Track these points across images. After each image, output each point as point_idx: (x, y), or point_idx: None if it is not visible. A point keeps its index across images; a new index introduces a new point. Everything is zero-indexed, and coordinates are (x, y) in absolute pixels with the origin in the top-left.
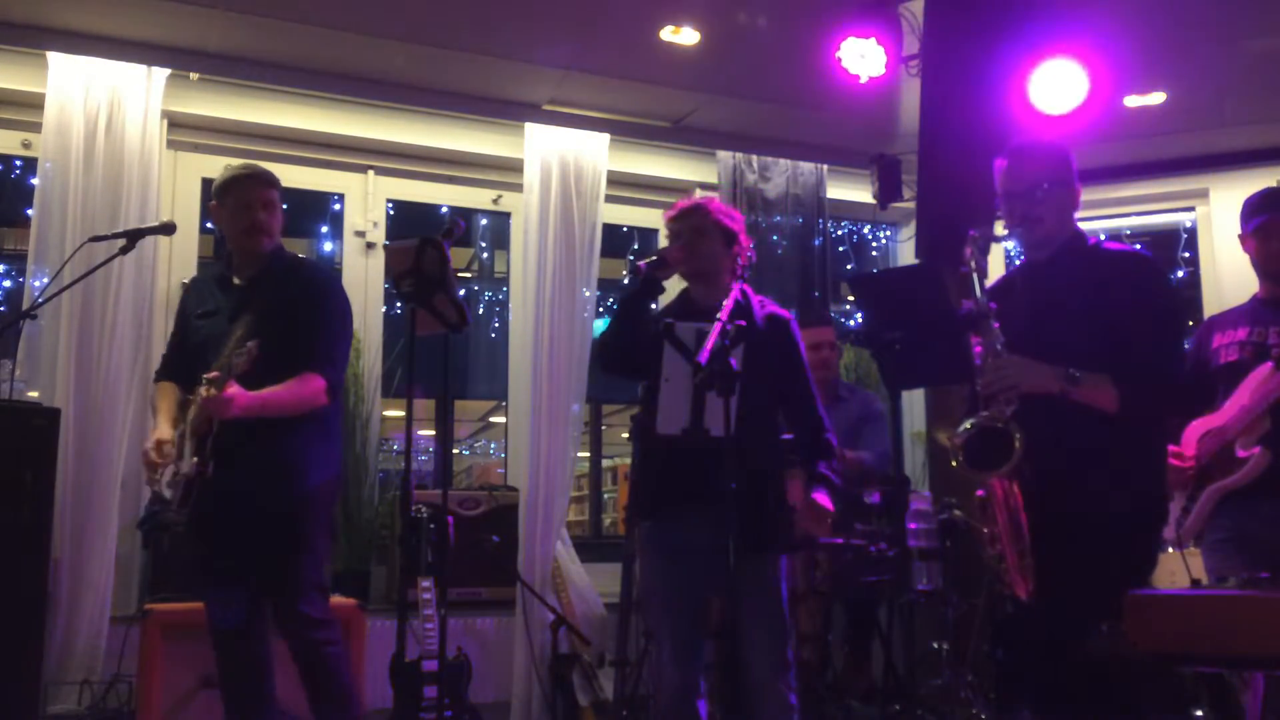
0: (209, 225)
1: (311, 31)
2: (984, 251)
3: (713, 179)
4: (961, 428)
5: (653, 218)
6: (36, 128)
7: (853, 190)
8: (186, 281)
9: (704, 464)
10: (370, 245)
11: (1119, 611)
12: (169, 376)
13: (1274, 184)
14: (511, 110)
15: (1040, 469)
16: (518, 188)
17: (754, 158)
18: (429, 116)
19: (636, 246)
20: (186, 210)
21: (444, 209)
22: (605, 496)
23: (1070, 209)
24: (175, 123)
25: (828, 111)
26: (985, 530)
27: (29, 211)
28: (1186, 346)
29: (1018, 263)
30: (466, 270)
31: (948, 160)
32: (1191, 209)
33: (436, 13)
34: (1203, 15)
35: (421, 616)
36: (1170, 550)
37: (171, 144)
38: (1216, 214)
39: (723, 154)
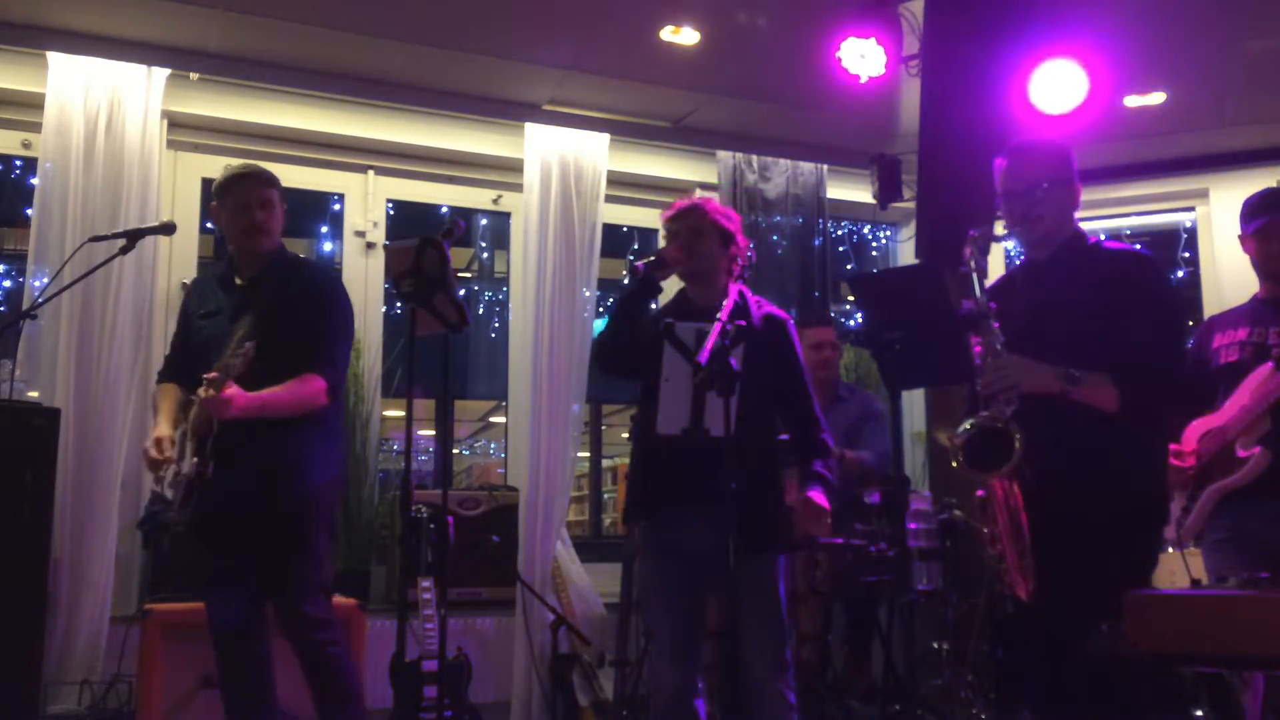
0: (209, 225)
1: (311, 31)
2: (984, 251)
3: (713, 179)
4: (961, 428)
5: (653, 218)
6: (36, 128)
7: (853, 190)
8: (188, 281)
9: (704, 464)
10: (370, 245)
11: (1119, 611)
12: (171, 377)
13: (1274, 184)
14: (511, 110)
15: (1040, 469)
16: (518, 188)
17: (754, 158)
18: (429, 116)
19: (636, 246)
20: (186, 210)
21: (444, 209)
22: (605, 496)
23: (1070, 208)
24: (175, 123)
25: (828, 111)
26: (985, 530)
27: (29, 211)
28: (1187, 346)
29: (1018, 262)
30: (466, 270)
31: (948, 160)
32: (1191, 209)
33: (436, 13)
34: (1203, 15)
35: (421, 616)
36: (1170, 550)
37: (171, 144)
38: (1216, 214)
39: (723, 154)
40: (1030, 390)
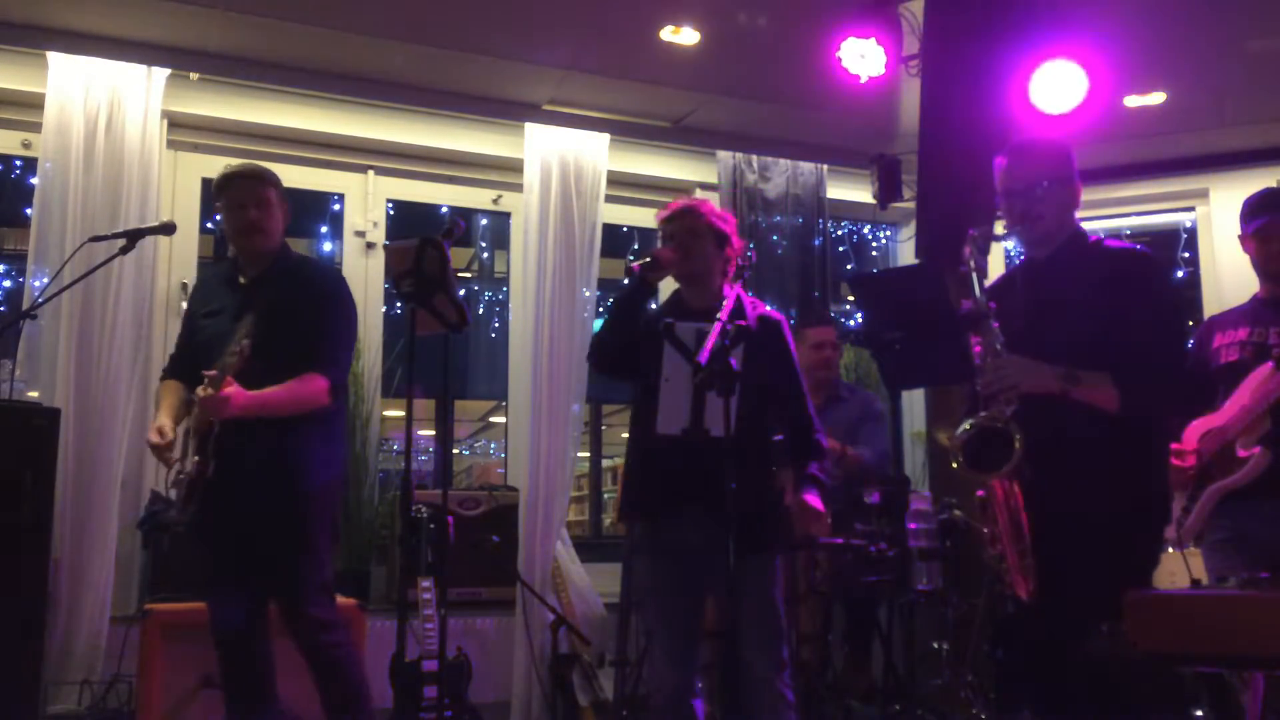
0: (209, 225)
1: (311, 31)
2: (984, 251)
3: (713, 179)
4: (961, 428)
5: (652, 218)
6: (36, 128)
7: (853, 190)
8: (188, 282)
9: (703, 464)
10: (370, 245)
11: (1119, 611)
12: (175, 375)
13: (1274, 184)
14: (511, 110)
15: (1040, 469)
16: (518, 188)
17: (754, 158)
18: (429, 116)
19: (636, 246)
20: (186, 210)
21: (444, 209)
22: (605, 496)
23: (1071, 207)
24: (175, 123)
25: (828, 111)
26: (985, 530)
27: (29, 211)
28: (1188, 345)
29: (1018, 262)
30: (466, 270)
31: (948, 160)
32: (1191, 209)
33: (436, 13)
34: (1203, 15)
35: (421, 616)
36: (1170, 550)
37: (171, 144)
38: (1216, 214)
39: (723, 154)
40: (1030, 390)
